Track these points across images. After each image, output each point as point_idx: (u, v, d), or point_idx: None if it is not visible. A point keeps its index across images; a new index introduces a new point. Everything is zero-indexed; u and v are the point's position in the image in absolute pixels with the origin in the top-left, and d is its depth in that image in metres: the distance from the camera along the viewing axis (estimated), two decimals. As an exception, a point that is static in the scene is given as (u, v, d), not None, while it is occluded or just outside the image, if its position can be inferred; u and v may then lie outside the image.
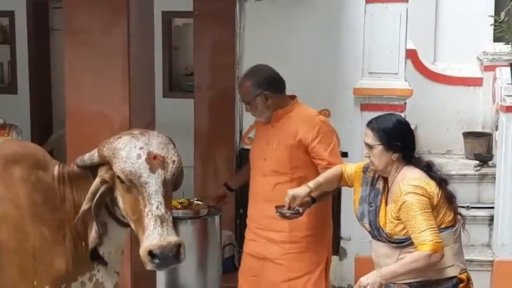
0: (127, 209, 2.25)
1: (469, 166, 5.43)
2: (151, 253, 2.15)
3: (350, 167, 3.13)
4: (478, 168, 5.36)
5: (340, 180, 3.15)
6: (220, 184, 4.14)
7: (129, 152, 2.19)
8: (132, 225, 2.25)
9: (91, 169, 2.34)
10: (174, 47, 6.69)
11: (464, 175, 5.30)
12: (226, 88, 5.01)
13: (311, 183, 3.14)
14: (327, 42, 4.98)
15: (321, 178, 3.19)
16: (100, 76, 3.08)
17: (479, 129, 5.97)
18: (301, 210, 3.18)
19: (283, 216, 3.18)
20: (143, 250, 2.16)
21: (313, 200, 3.25)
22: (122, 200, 2.26)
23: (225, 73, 5.01)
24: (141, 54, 3.23)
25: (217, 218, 4.13)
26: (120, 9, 3.02)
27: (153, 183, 2.17)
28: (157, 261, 2.15)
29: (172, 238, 2.16)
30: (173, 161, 2.24)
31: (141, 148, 2.20)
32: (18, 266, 2.25)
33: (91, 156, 2.31)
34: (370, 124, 2.97)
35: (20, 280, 2.25)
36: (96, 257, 2.33)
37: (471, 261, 4.67)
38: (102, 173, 2.27)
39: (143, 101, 3.30)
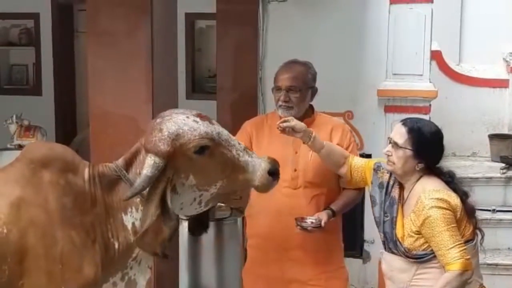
0: (214, 176, 2.30)
1: (495, 169, 5.36)
2: (270, 173, 2.34)
3: (358, 160, 2.97)
4: (504, 170, 5.28)
5: (343, 164, 2.96)
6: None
7: (185, 123, 2.27)
8: (225, 183, 2.31)
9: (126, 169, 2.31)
10: (197, 48, 6.70)
11: (490, 178, 5.23)
12: (249, 90, 5.00)
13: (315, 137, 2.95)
14: (351, 43, 4.94)
15: (328, 142, 3.00)
16: (123, 78, 3.09)
17: (505, 131, 5.89)
18: (322, 224, 2.99)
19: (303, 229, 3.01)
20: (261, 176, 2.32)
21: (333, 213, 3.08)
22: (202, 175, 2.28)
23: (247, 74, 5.00)
24: (165, 56, 3.24)
25: (239, 220, 4.12)
26: (144, 11, 3.04)
27: (225, 132, 2.36)
28: (275, 176, 2.36)
29: None
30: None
31: (187, 117, 2.29)
32: (45, 272, 2.19)
33: (150, 167, 2.18)
34: (407, 123, 2.75)
35: (47, 287, 2.20)
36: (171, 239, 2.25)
37: (496, 265, 4.59)
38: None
39: (166, 102, 3.29)
